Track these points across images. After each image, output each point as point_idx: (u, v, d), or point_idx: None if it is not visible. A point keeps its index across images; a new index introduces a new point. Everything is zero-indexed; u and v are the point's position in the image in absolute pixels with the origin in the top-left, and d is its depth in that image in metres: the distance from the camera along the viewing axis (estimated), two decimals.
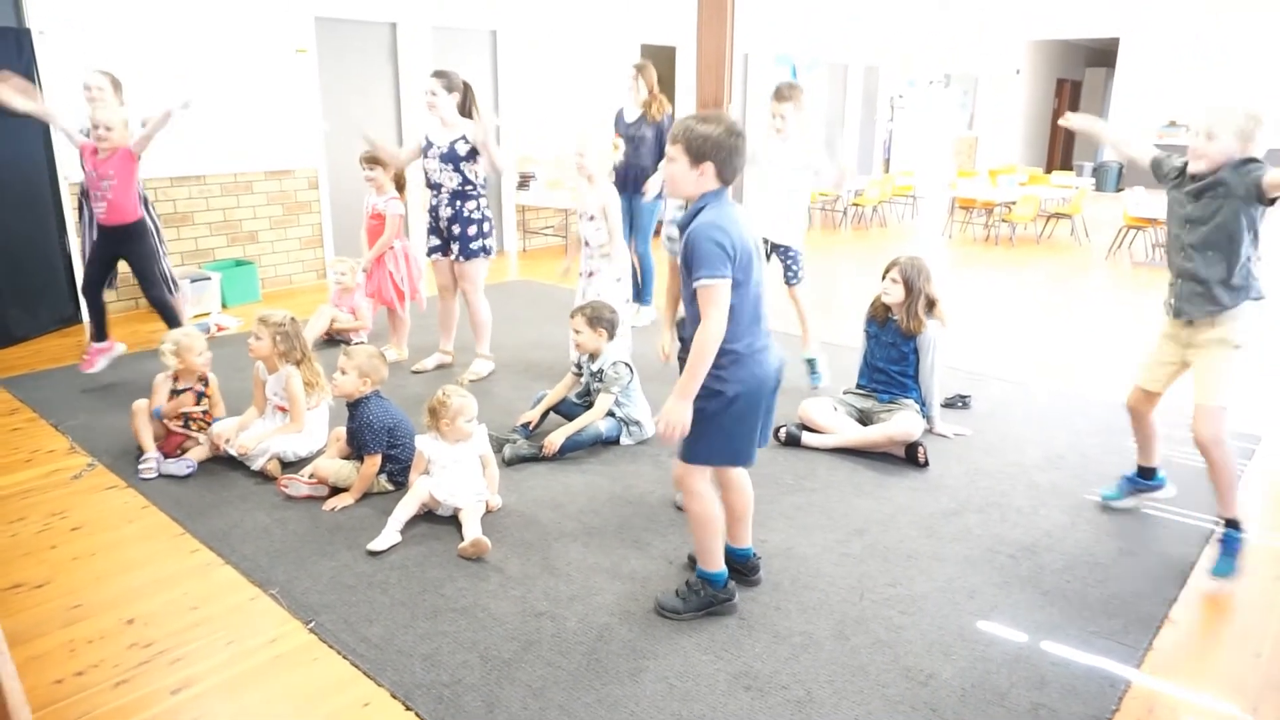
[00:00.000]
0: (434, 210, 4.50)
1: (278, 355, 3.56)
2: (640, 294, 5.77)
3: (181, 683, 2.27)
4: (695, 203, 2.31)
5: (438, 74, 4.32)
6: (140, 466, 3.45)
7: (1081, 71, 19.15)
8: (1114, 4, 14.66)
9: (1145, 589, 2.75)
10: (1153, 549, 2.99)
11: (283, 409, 3.64)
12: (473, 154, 4.34)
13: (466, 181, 4.38)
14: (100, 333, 4.55)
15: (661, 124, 5.80)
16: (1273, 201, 2.65)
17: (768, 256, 4.55)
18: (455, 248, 4.48)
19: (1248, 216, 2.70)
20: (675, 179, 2.32)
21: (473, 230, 4.46)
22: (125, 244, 4.41)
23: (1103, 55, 17.87)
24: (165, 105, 4.25)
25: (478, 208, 4.46)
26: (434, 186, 4.45)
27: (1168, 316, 2.96)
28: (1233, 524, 2.85)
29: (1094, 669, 2.36)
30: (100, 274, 4.51)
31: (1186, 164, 2.80)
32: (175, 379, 3.66)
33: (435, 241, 4.58)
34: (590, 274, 4.40)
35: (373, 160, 4.84)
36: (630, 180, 5.71)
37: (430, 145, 4.39)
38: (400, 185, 5.00)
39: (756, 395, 2.35)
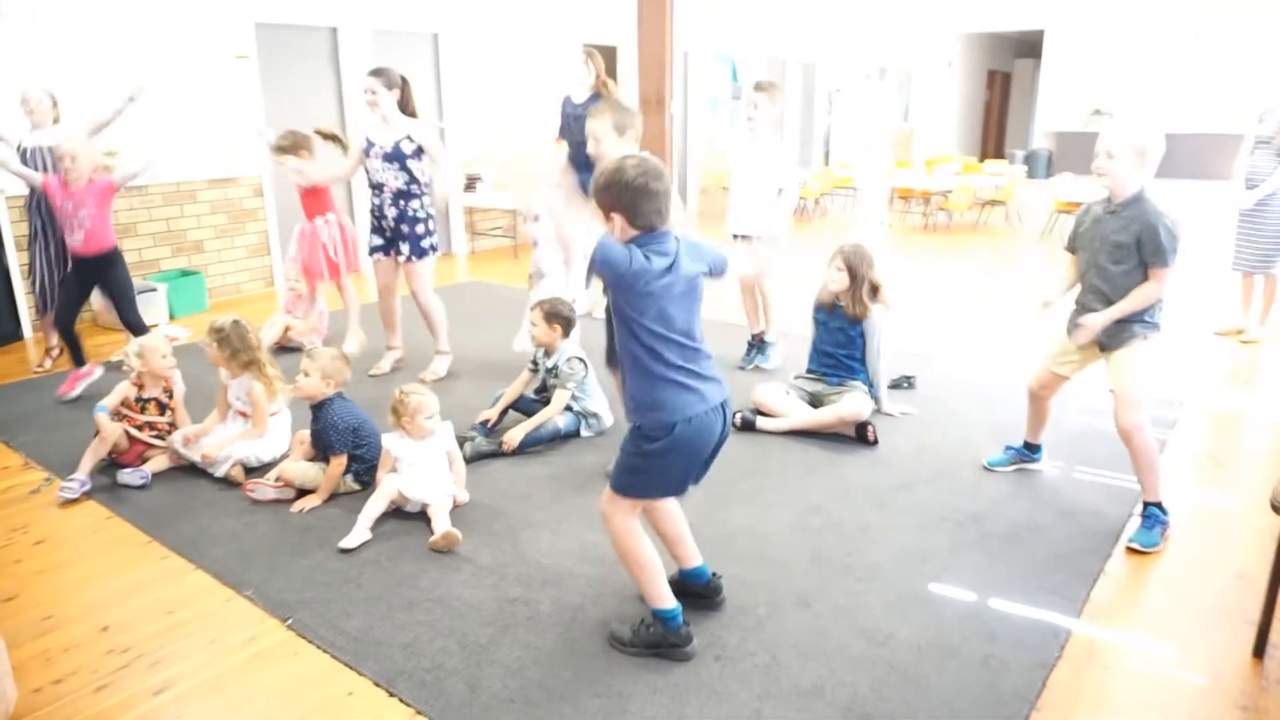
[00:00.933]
0: (377, 210, 4.52)
1: (225, 360, 3.58)
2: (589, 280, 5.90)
3: (163, 684, 2.30)
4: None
5: (375, 72, 4.36)
6: (62, 484, 3.39)
7: (1011, 63, 19.74)
8: None
9: (1082, 547, 2.93)
10: (1088, 511, 3.19)
11: (244, 414, 3.65)
12: (418, 152, 4.39)
13: (412, 180, 4.42)
14: (79, 359, 4.48)
15: None
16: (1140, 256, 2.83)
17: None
18: (405, 247, 4.51)
19: None
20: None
21: (420, 229, 4.51)
22: (104, 272, 4.38)
23: (1030, 46, 18.44)
24: (113, 104, 4.26)
25: (422, 206, 4.50)
26: (376, 186, 4.47)
27: (1077, 342, 3.06)
28: (1158, 504, 3.02)
29: (1039, 621, 2.53)
30: (76, 306, 4.46)
31: (1106, 199, 2.94)
32: (140, 387, 3.64)
33: (378, 241, 4.60)
34: (544, 276, 4.51)
35: (285, 149, 4.90)
36: (581, 161, 5.78)
37: (371, 145, 4.41)
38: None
39: (690, 446, 2.18)
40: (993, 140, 19.64)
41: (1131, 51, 14.91)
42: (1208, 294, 6.70)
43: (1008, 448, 3.56)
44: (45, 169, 4.71)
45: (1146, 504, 3.03)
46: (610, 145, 3.19)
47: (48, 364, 5.02)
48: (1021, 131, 19.53)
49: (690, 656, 2.35)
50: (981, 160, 16.21)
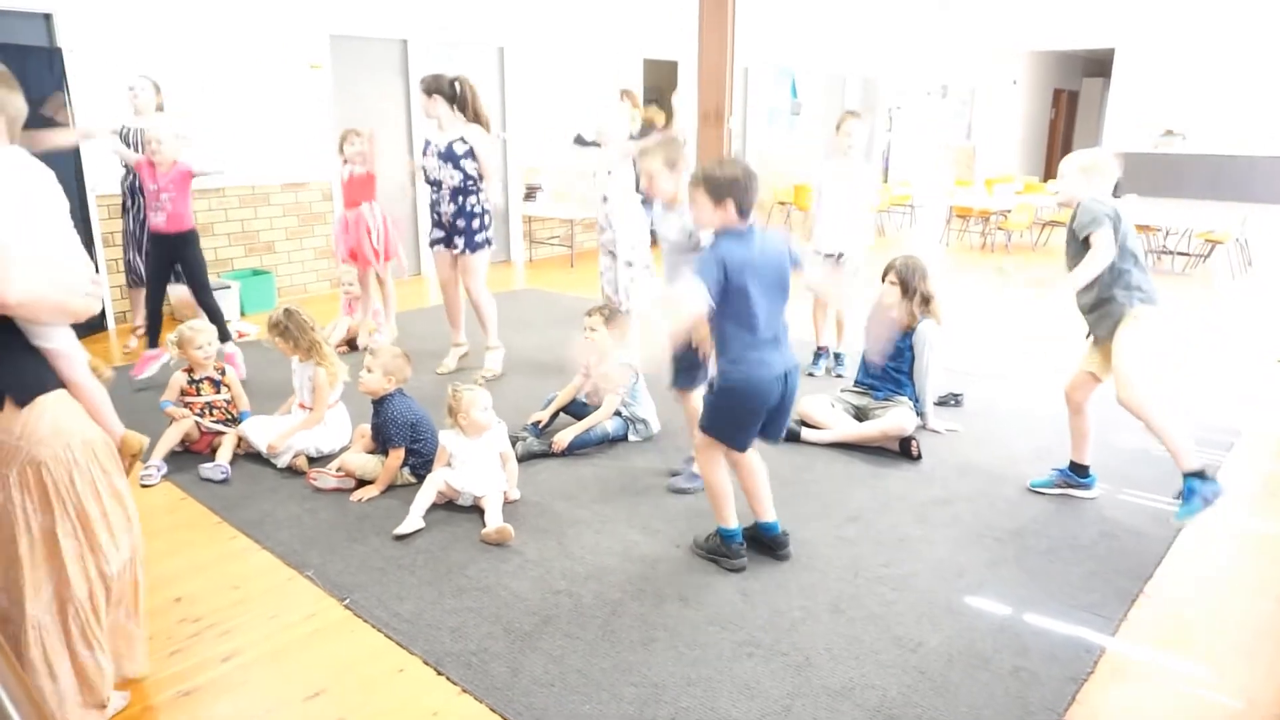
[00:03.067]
0: (435, 206, 4.78)
1: (290, 349, 3.79)
2: None
3: (230, 652, 2.47)
4: (719, 234, 2.65)
5: (421, 79, 4.67)
6: (141, 472, 3.59)
7: (1078, 81, 19.41)
8: (1110, 15, 14.92)
9: (1123, 567, 2.94)
10: (1131, 532, 3.18)
11: (303, 406, 3.85)
12: (470, 154, 4.61)
13: (467, 178, 4.64)
14: (154, 340, 4.82)
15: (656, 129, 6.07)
16: (1086, 241, 3.06)
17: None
18: (460, 241, 4.74)
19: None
20: (700, 217, 2.69)
21: (476, 224, 4.73)
22: (181, 250, 4.76)
23: (1099, 65, 18.12)
24: (201, 166, 4.73)
25: (478, 202, 4.72)
26: (434, 184, 4.71)
27: (1090, 342, 3.32)
28: (1196, 474, 3.04)
29: (1072, 637, 2.56)
30: (162, 283, 4.84)
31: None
32: (189, 371, 3.86)
33: (438, 234, 4.84)
34: (612, 227, 4.70)
35: (359, 133, 5.27)
36: None
37: (428, 145, 4.69)
38: None
39: (749, 399, 2.72)
40: (1057, 160, 19.26)
41: (1206, 72, 14.55)
42: (1273, 321, 6.55)
43: (1054, 469, 3.55)
44: (140, 149, 5.11)
45: (1185, 476, 3.05)
46: (663, 181, 3.34)
47: (133, 344, 5.46)
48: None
49: (738, 569, 2.88)
50: (1045, 180, 15.97)
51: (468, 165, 4.60)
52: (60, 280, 1.94)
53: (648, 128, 6.09)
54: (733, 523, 2.92)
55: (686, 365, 3.31)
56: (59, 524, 1.98)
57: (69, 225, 2.12)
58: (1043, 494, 3.49)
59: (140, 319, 5.47)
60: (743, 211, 2.61)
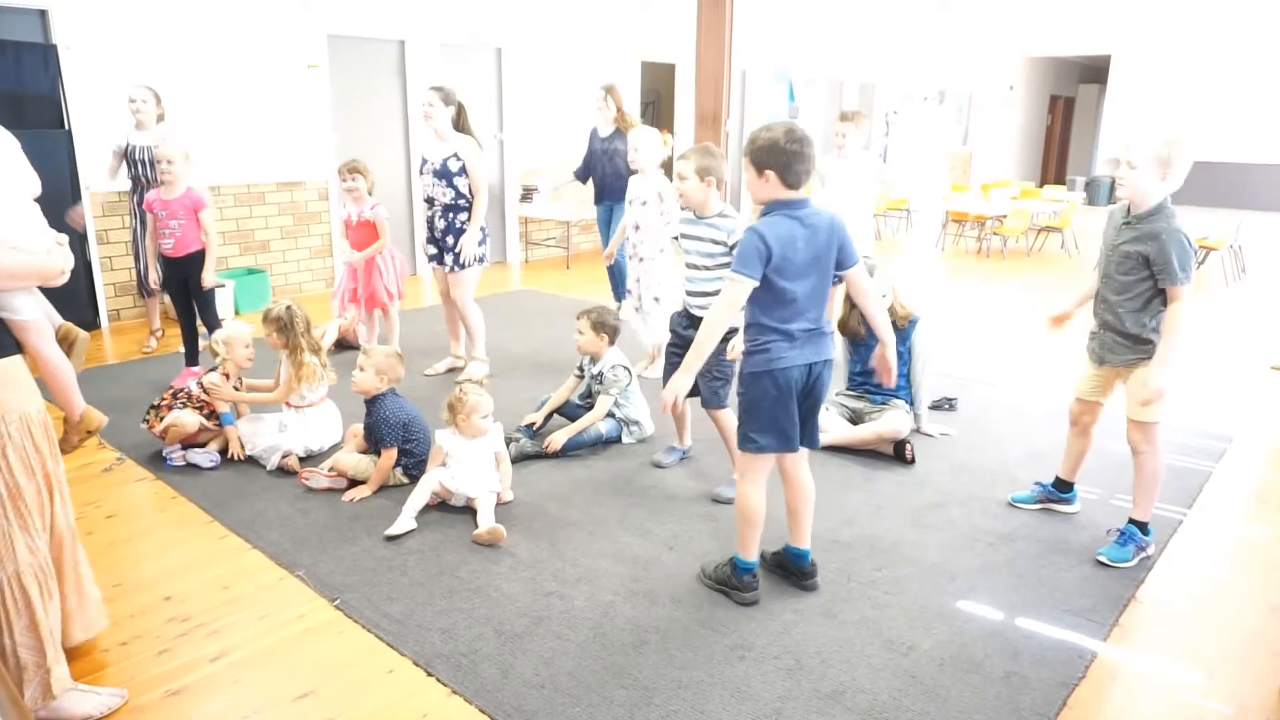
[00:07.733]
0: (430, 222, 4.76)
1: (278, 344, 3.81)
2: (618, 294, 6.10)
3: (219, 651, 2.46)
4: (766, 209, 2.44)
5: (435, 88, 4.61)
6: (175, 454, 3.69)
7: (1075, 88, 19.48)
8: (1106, 22, 14.98)
9: (1114, 572, 2.94)
10: None
11: (288, 404, 3.84)
12: (463, 170, 4.59)
13: (459, 195, 4.62)
14: (192, 359, 4.78)
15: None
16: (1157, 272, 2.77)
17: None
18: (449, 259, 4.72)
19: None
20: (750, 189, 2.45)
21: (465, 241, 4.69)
22: (191, 269, 4.60)
23: (1095, 72, 18.19)
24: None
25: (469, 220, 4.69)
26: (428, 200, 4.71)
27: (1092, 362, 3.09)
28: (1142, 525, 3.00)
29: (1064, 642, 2.55)
30: (185, 302, 4.70)
31: (1125, 208, 2.92)
32: (226, 377, 3.85)
33: (432, 250, 4.83)
34: (641, 259, 4.66)
35: (354, 170, 5.03)
36: (608, 190, 6.04)
37: (425, 162, 4.67)
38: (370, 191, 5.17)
39: (772, 387, 2.49)
40: (1053, 166, 19.36)
41: (1202, 79, 14.61)
42: (1266, 327, 6.57)
43: (1036, 484, 3.48)
44: (148, 165, 5.11)
45: (1130, 520, 3.01)
46: (692, 188, 3.27)
47: (153, 344, 5.46)
48: (1084, 157, 19.23)
49: (748, 603, 2.70)
50: (1041, 185, 16.02)
51: (459, 183, 4.60)
52: (19, 246, 1.93)
53: (618, 130, 6.09)
54: (751, 555, 2.71)
55: (714, 381, 3.29)
56: None
57: (21, 188, 2.08)
58: (1022, 509, 3.42)
59: (157, 323, 5.63)
60: (788, 183, 2.38)
